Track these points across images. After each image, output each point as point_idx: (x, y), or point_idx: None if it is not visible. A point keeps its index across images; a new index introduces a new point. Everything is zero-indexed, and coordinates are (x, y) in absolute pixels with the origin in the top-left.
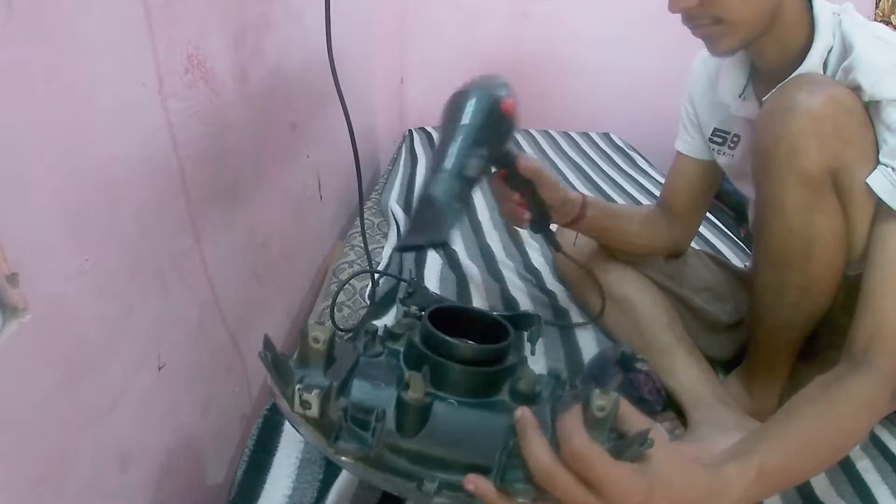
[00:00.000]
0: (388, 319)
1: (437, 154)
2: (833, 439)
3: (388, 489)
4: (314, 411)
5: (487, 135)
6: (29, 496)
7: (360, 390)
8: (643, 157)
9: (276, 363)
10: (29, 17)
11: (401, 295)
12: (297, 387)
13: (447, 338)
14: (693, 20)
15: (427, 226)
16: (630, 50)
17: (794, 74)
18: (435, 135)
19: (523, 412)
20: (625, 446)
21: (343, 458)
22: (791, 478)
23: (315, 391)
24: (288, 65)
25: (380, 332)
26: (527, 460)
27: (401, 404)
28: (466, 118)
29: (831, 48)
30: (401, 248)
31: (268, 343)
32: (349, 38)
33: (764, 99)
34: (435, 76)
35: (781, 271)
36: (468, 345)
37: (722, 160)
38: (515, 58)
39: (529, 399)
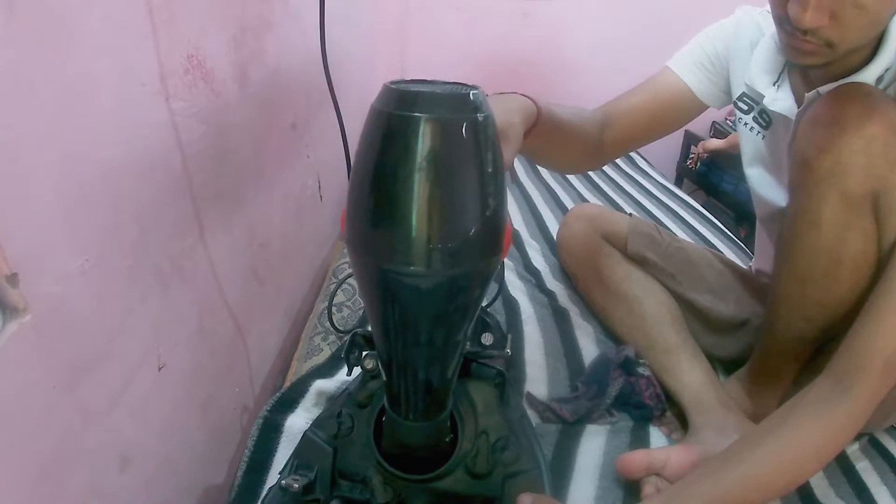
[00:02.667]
0: None
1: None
2: (787, 473)
3: None
4: None
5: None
6: (29, 496)
7: (346, 488)
8: (643, 158)
9: None
10: (29, 17)
11: (343, 353)
12: None
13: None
14: (805, 34)
15: None
16: (630, 50)
17: (844, 81)
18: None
19: None
20: None
21: None
22: None
23: None
24: (288, 65)
25: (345, 410)
26: None
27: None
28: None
29: (891, 67)
30: None
31: None
32: (349, 38)
33: (807, 95)
34: (435, 76)
35: (804, 286)
36: (411, 477)
37: (745, 133)
38: (515, 58)
39: (483, 475)
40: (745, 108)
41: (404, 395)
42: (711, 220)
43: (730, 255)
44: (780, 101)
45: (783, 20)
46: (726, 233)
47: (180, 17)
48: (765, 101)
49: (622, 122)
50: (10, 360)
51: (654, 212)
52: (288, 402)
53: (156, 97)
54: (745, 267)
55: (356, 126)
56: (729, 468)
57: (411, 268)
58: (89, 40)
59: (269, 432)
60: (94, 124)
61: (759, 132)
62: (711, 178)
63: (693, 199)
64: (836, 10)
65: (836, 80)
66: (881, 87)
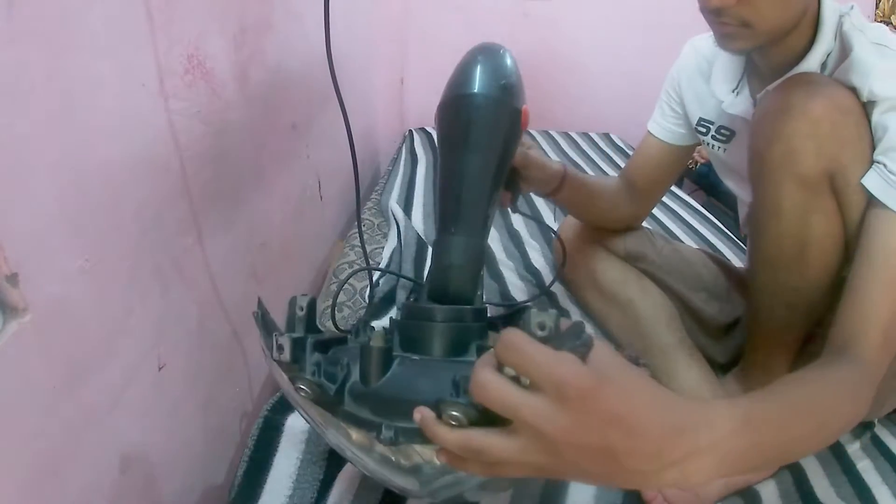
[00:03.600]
0: (386, 321)
1: (447, 193)
2: (817, 413)
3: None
4: (286, 354)
5: (506, 158)
6: (29, 496)
7: (336, 353)
8: None
9: (264, 319)
10: (29, 17)
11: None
12: (276, 334)
13: (413, 302)
14: (721, 17)
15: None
16: (629, 50)
17: (791, 73)
18: (435, 135)
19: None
20: (561, 339)
21: (303, 396)
22: (774, 441)
23: (289, 336)
24: (288, 65)
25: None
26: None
27: (364, 352)
28: (482, 144)
29: (831, 51)
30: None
31: (260, 303)
32: (350, 39)
33: (758, 96)
34: (435, 76)
35: (777, 273)
36: (433, 306)
37: (710, 151)
38: (515, 58)
39: None
40: (704, 130)
41: (454, 204)
42: (711, 220)
43: (730, 255)
44: (738, 104)
45: (703, 10)
46: (726, 233)
47: (180, 17)
48: (723, 106)
49: (637, 188)
50: (10, 360)
51: (654, 212)
52: (288, 402)
53: (156, 97)
54: (740, 265)
55: (356, 126)
56: (756, 399)
57: (473, 96)
58: (89, 40)
59: (269, 432)
60: (95, 124)
61: (719, 147)
62: (711, 178)
63: (693, 199)
64: None
65: (784, 76)
66: (826, 72)
